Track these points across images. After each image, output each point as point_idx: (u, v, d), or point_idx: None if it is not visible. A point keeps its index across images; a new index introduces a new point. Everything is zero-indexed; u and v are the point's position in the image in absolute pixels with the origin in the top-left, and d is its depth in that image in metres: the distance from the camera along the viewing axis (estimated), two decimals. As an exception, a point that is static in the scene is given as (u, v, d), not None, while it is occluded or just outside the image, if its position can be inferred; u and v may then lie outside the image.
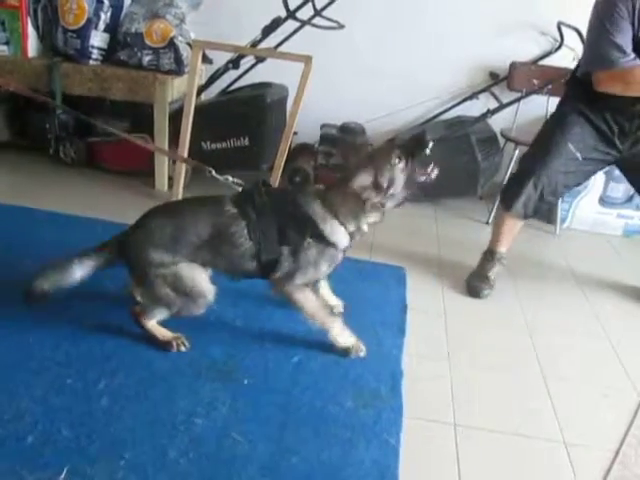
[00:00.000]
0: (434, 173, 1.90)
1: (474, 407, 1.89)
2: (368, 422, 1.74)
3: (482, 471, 1.65)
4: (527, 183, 2.48)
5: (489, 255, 2.70)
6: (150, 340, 1.95)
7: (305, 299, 1.91)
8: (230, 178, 2.06)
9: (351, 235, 1.89)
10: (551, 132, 2.49)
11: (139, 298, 1.96)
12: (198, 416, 1.68)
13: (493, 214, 3.49)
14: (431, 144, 1.85)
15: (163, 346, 1.93)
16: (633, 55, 2.19)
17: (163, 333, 1.95)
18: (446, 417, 1.83)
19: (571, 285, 2.84)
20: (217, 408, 1.73)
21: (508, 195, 2.59)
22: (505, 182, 2.75)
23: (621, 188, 3.53)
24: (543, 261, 3.14)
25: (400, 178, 1.82)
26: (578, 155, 2.43)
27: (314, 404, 1.79)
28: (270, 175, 3.10)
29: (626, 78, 2.22)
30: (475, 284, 2.62)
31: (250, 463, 1.54)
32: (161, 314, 1.92)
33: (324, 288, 2.17)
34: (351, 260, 2.65)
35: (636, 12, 2.14)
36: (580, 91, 2.39)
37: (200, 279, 1.86)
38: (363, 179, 1.79)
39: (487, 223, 3.50)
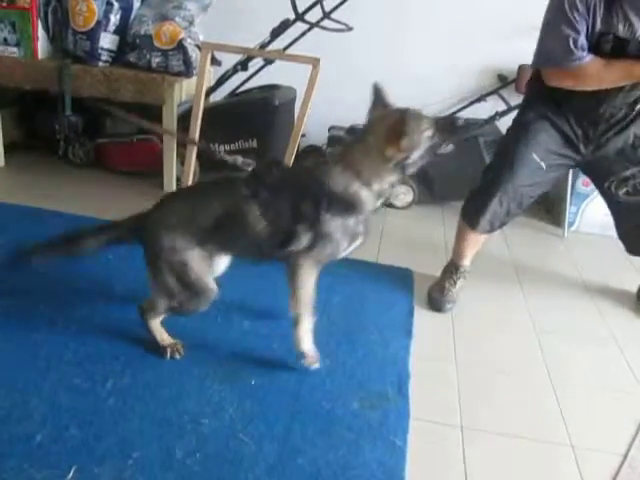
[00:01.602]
0: (449, 148, 1.86)
1: (481, 409, 1.89)
2: (374, 423, 1.74)
3: (489, 474, 1.64)
4: (493, 199, 2.38)
5: (452, 268, 2.60)
6: (149, 343, 1.95)
7: (307, 281, 1.84)
8: (240, 159, 2.04)
9: (377, 196, 1.82)
10: (514, 143, 2.40)
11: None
12: (205, 416, 1.69)
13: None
14: (460, 123, 1.89)
15: (159, 350, 1.93)
16: (583, 53, 2.12)
17: (163, 337, 1.94)
18: (453, 419, 1.82)
19: (579, 288, 2.83)
20: (224, 408, 1.73)
21: (472, 212, 2.48)
22: (467, 197, 2.58)
23: (630, 191, 3.51)
24: (551, 264, 3.13)
25: (423, 146, 1.78)
26: (543, 164, 2.35)
27: (321, 405, 1.79)
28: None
29: (575, 75, 2.18)
30: (437, 297, 2.50)
31: (257, 463, 1.55)
32: (163, 305, 1.89)
33: None
34: (358, 262, 2.66)
35: (591, 7, 2.06)
36: (543, 93, 2.33)
37: (205, 274, 1.84)
38: (395, 136, 1.72)
39: (495, 226, 3.49)
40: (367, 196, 1.79)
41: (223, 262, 1.96)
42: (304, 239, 1.78)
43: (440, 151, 1.88)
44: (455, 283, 2.55)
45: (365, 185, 1.78)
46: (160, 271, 1.82)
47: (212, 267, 1.88)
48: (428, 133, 1.79)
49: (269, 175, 1.83)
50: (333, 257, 1.86)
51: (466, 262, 2.60)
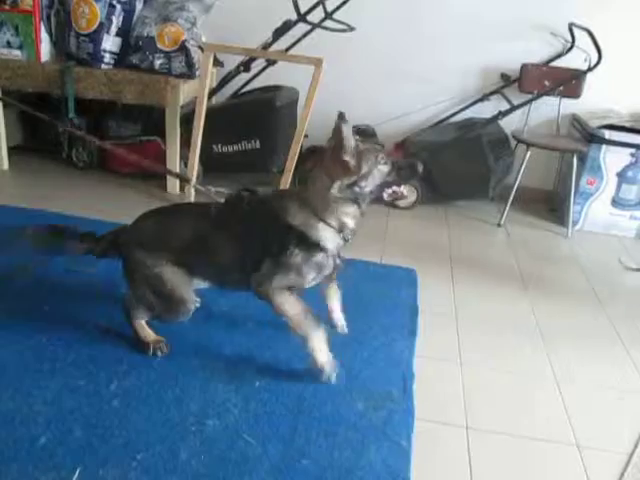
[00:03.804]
0: (404, 194, 1.86)
1: (486, 410, 1.88)
2: (379, 424, 1.73)
3: (494, 474, 1.64)
4: None
5: None
6: (133, 339, 1.95)
7: (286, 303, 1.79)
8: (212, 189, 2.07)
9: (338, 232, 1.78)
10: None
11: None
12: (210, 417, 1.69)
13: (505, 215, 3.48)
14: (420, 170, 1.83)
15: (141, 347, 1.93)
16: None
17: (146, 334, 1.95)
18: (458, 420, 1.82)
19: (584, 287, 2.82)
20: (229, 410, 1.73)
21: None
22: None
23: (634, 190, 3.51)
24: (555, 263, 3.13)
25: (376, 178, 1.76)
26: None
27: (325, 406, 1.79)
28: (280, 178, 3.11)
29: None
30: None
31: (261, 464, 1.55)
32: (143, 315, 1.93)
33: (335, 304, 2.11)
34: (362, 262, 2.66)
35: None
36: None
37: (181, 285, 1.84)
38: (346, 155, 1.70)
39: (498, 225, 3.49)
40: (326, 232, 1.77)
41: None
42: (266, 265, 1.78)
43: (395, 190, 1.85)
44: None
45: (321, 220, 1.76)
46: (136, 283, 1.88)
47: (190, 280, 1.87)
48: (384, 168, 1.77)
49: (239, 207, 1.85)
50: (299, 286, 1.82)
51: None
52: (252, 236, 1.80)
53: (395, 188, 1.84)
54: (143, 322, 1.96)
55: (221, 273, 1.89)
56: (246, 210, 1.84)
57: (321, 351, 1.84)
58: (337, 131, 1.70)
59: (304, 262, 1.76)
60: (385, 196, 1.85)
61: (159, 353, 1.92)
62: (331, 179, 1.74)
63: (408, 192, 1.82)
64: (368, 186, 1.76)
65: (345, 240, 1.81)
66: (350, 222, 1.80)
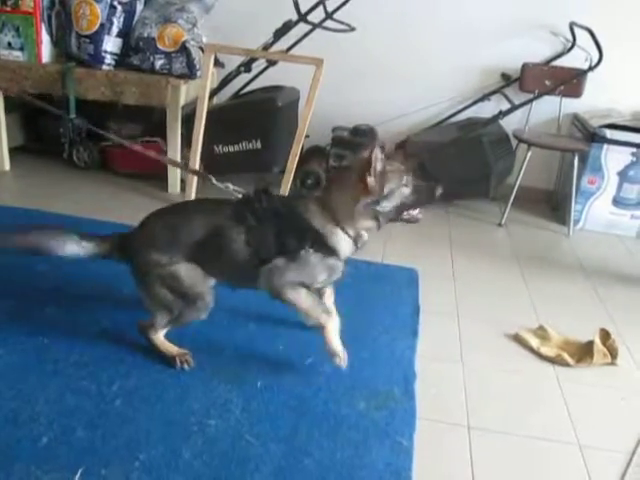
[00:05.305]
0: (418, 217, 1.91)
1: (488, 409, 1.88)
2: (381, 424, 1.73)
3: (496, 473, 1.64)
4: None
5: None
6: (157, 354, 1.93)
7: (298, 298, 1.81)
8: (230, 186, 2.07)
9: (353, 241, 1.83)
10: None
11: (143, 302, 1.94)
12: (212, 417, 1.69)
13: (506, 215, 3.48)
14: (438, 193, 1.90)
15: (168, 361, 1.90)
16: None
17: (169, 348, 1.92)
18: (460, 419, 1.82)
19: (585, 287, 2.82)
20: (230, 410, 1.73)
21: None
22: None
23: (635, 189, 3.51)
24: (557, 263, 3.13)
25: (397, 199, 1.80)
26: None
27: (327, 406, 1.79)
28: (282, 178, 3.11)
29: None
30: None
31: (263, 464, 1.55)
32: (162, 319, 1.88)
33: (329, 299, 2.08)
34: (363, 262, 2.66)
35: None
36: None
37: (198, 280, 1.83)
38: (370, 177, 1.73)
39: (499, 225, 3.49)
40: (343, 240, 1.81)
41: None
42: (278, 262, 1.78)
43: (411, 213, 1.90)
44: None
45: (341, 229, 1.80)
46: (152, 286, 1.84)
47: (205, 275, 1.86)
48: (405, 190, 1.81)
49: (258, 203, 1.84)
50: (309, 285, 1.84)
51: None
52: (267, 232, 1.79)
53: (411, 211, 1.89)
54: (162, 337, 1.92)
55: (233, 270, 1.86)
56: (263, 207, 1.83)
57: (332, 340, 1.85)
58: (368, 152, 1.73)
59: (318, 263, 1.80)
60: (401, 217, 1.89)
61: (186, 366, 1.89)
62: (354, 196, 1.77)
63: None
64: (387, 207, 1.80)
65: (356, 248, 1.86)
66: (365, 235, 1.86)
